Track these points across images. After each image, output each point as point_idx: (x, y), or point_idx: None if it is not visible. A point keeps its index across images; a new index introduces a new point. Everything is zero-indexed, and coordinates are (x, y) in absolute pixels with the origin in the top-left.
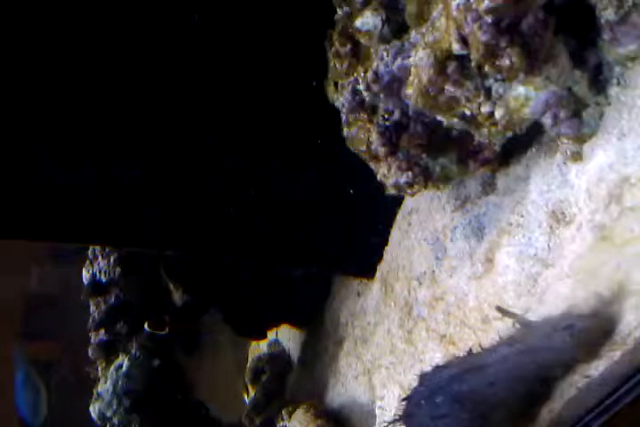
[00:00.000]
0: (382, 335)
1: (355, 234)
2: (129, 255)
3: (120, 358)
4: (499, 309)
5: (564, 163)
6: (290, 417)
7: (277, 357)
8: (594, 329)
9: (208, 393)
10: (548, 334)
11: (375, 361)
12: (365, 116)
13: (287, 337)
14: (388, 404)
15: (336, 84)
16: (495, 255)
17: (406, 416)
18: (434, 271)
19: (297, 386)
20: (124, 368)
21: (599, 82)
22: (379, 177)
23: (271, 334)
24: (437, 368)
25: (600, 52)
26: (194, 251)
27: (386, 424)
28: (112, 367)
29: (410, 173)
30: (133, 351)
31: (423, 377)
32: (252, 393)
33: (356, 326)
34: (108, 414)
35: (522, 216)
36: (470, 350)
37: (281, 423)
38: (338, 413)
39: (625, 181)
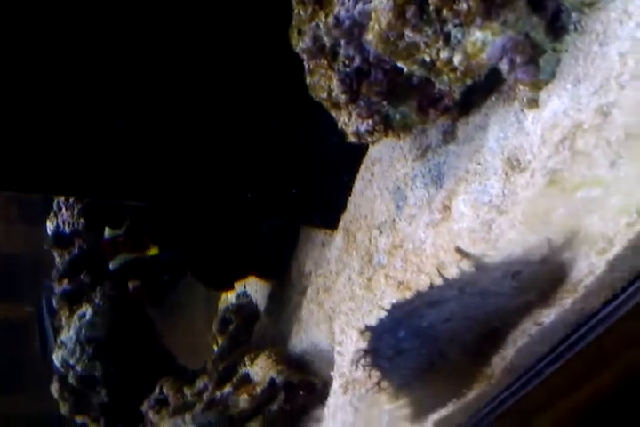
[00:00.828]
0: (343, 283)
1: (319, 185)
2: (93, 206)
3: (84, 307)
4: (457, 249)
5: (521, 110)
6: (252, 363)
7: (245, 307)
8: (544, 276)
9: (176, 343)
10: (499, 280)
11: (336, 308)
12: (326, 62)
13: (255, 289)
14: (347, 349)
15: (300, 31)
16: (452, 203)
17: (372, 350)
18: (394, 220)
19: (262, 335)
20: (87, 317)
21: (557, 28)
22: (340, 125)
23: (240, 287)
24: (400, 302)
25: None
26: (157, 202)
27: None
28: (75, 316)
29: (370, 121)
30: (97, 300)
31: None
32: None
33: (319, 275)
34: (72, 361)
35: (479, 164)
36: (431, 284)
37: (243, 369)
38: (299, 358)
39: (578, 127)
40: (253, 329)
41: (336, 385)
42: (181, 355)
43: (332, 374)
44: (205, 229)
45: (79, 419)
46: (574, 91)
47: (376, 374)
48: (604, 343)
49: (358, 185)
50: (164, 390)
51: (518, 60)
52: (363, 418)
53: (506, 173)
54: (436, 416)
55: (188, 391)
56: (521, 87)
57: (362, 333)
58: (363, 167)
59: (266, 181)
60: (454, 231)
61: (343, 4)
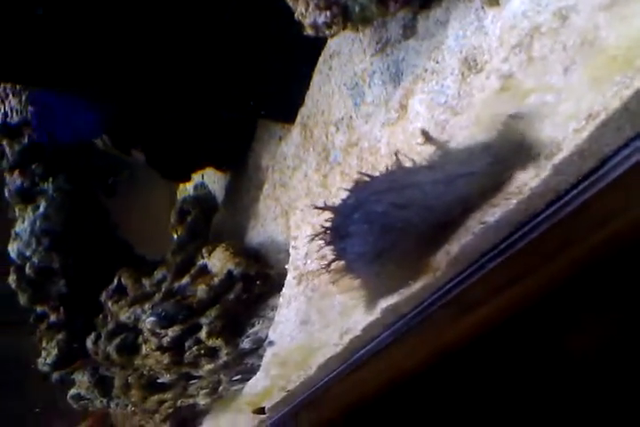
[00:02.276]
0: (300, 179)
1: (276, 78)
2: (41, 92)
3: (37, 200)
4: (424, 133)
5: (482, 7)
6: (209, 255)
7: (202, 198)
8: (491, 176)
9: (134, 233)
10: (470, 160)
11: (292, 203)
12: None
13: (213, 180)
14: (301, 243)
15: None
16: (408, 102)
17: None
18: (351, 117)
19: (220, 227)
20: (42, 209)
21: None
22: (296, 16)
23: (198, 178)
24: (365, 182)
25: None
26: (109, 91)
27: (311, 237)
28: (29, 208)
29: (328, 13)
30: (50, 193)
31: (353, 190)
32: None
33: (275, 170)
34: (28, 253)
35: (437, 62)
36: (400, 165)
37: (200, 261)
38: (256, 251)
39: (536, 30)
40: (211, 221)
41: (290, 277)
42: (140, 245)
43: (286, 267)
44: (160, 119)
45: (39, 308)
46: None
47: (330, 254)
48: (546, 242)
49: (316, 79)
50: (123, 281)
51: None
52: (315, 307)
53: (462, 74)
54: (384, 304)
55: (146, 282)
56: None
57: (321, 210)
58: (321, 60)
59: (221, 71)
60: (409, 131)
61: None
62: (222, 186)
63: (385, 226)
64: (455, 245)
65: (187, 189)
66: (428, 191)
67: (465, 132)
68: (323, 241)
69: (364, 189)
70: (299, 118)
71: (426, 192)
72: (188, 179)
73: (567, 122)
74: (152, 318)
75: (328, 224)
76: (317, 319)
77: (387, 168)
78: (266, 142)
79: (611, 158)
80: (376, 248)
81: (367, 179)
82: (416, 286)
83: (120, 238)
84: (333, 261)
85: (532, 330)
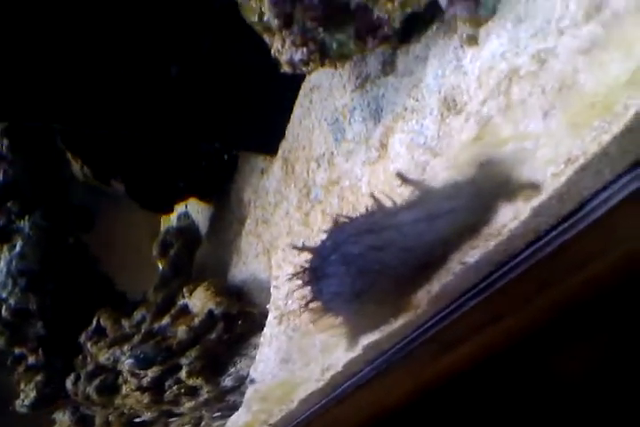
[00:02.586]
0: (281, 216)
1: (257, 109)
2: (17, 127)
3: (13, 239)
4: (399, 175)
5: (461, 46)
6: (190, 295)
7: (186, 230)
8: (473, 213)
9: (117, 265)
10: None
11: (274, 242)
12: None
13: (196, 210)
14: (282, 283)
15: None
16: (389, 141)
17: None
18: (332, 153)
19: (204, 261)
20: (18, 248)
21: None
22: (272, 52)
23: (182, 207)
24: (343, 224)
25: None
26: (92, 125)
27: (290, 277)
28: (5, 248)
29: (305, 49)
30: (27, 231)
31: (331, 232)
32: (160, 267)
33: (258, 206)
34: (4, 294)
35: (417, 100)
36: (379, 206)
37: (181, 301)
38: (239, 289)
39: (514, 73)
40: (195, 254)
41: (271, 317)
42: (123, 277)
43: (268, 307)
44: (140, 149)
45: (17, 350)
46: (514, 32)
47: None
48: (525, 282)
49: (297, 112)
50: (102, 322)
51: None
52: (296, 345)
53: (442, 114)
54: (365, 342)
55: (125, 323)
56: (460, 23)
57: (299, 251)
58: (302, 93)
59: (202, 103)
60: (389, 171)
61: None
62: (206, 217)
63: (362, 268)
64: (436, 285)
65: (170, 218)
66: (408, 232)
67: (445, 173)
68: (301, 281)
69: (342, 231)
70: (280, 152)
71: (405, 233)
72: (171, 210)
73: (546, 166)
74: (130, 361)
75: (306, 265)
76: (299, 357)
77: (366, 209)
78: (248, 174)
79: (590, 201)
80: (354, 289)
81: (346, 220)
82: (397, 323)
83: (101, 273)
84: (311, 301)
85: (512, 369)
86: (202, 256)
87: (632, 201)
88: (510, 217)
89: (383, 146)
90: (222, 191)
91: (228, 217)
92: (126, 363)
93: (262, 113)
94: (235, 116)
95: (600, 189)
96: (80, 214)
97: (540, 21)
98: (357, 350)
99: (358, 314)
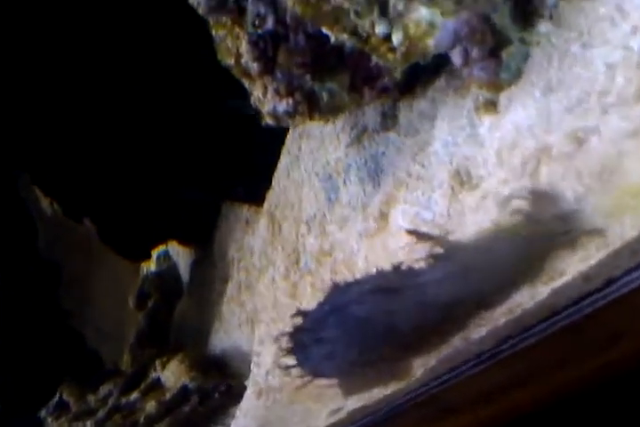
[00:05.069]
0: (267, 285)
1: (240, 156)
2: None
3: None
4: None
5: (477, 109)
6: (163, 368)
7: (165, 277)
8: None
9: (92, 319)
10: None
11: (257, 314)
12: (229, 19)
13: (177, 252)
14: (264, 360)
15: None
16: (390, 211)
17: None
18: (324, 216)
19: (183, 319)
20: None
21: (527, 12)
22: (252, 101)
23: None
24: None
25: None
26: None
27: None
28: None
29: (290, 100)
30: None
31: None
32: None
33: (241, 268)
34: None
35: (423, 167)
36: (399, 264)
37: (153, 374)
38: (219, 359)
39: (544, 152)
40: (175, 308)
41: (249, 392)
42: (102, 330)
43: (245, 383)
44: (118, 193)
45: None
46: (544, 102)
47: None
48: (534, 357)
49: (284, 160)
50: (64, 397)
51: (475, 52)
52: (275, 414)
53: (452, 189)
54: (351, 407)
55: (91, 397)
56: (477, 86)
57: (293, 316)
58: (289, 137)
59: (182, 150)
60: (390, 249)
61: None
62: (187, 262)
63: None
64: (433, 359)
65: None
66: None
67: None
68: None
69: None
70: (266, 206)
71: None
72: (147, 257)
73: None
74: None
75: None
76: (278, 424)
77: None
78: (232, 223)
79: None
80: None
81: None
82: (388, 389)
83: (72, 330)
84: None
85: None
86: (182, 311)
87: None
88: (526, 298)
89: (383, 216)
90: (205, 237)
91: (210, 272)
92: None
93: (246, 160)
94: (216, 163)
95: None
96: (47, 270)
97: (578, 93)
98: (341, 415)
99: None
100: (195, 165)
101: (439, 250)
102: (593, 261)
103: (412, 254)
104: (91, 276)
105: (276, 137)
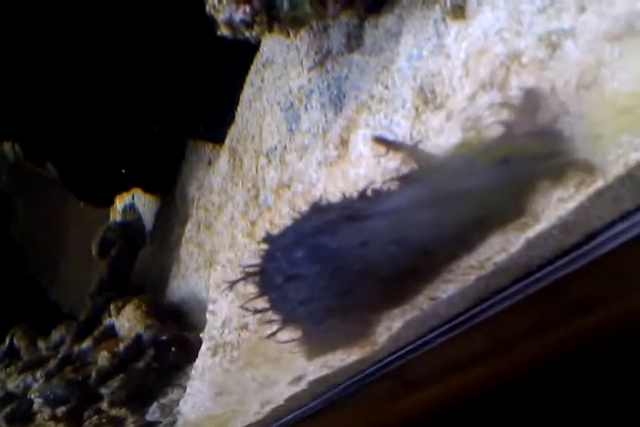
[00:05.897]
0: (225, 223)
1: (201, 89)
2: None
3: None
4: (378, 140)
5: (443, 19)
6: (118, 313)
7: (129, 227)
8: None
9: (57, 266)
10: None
11: (215, 254)
12: None
13: (143, 203)
14: (220, 308)
15: None
16: (350, 137)
17: (260, 271)
18: (285, 147)
19: (144, 268)
20: None
21: None
22: (207, 8)
23: (129, 197)
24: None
25: None
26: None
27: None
28: None
29: (247, 8)
30: None
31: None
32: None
33: (200, 206)
34: None
35: (386, 88)
36: (365, 189)
37: (108, 320)
38: (176, 308)
39: (514, 59)
40: (136, 257)
41: (204, 348)
42: (63, 281)
43: (201, 336)
44: (77, 132)
45: None
46: (515, 2)
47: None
48: (505, 323)
49: (247, 92)
50: (15, 342)
51: None
52: (233, 379)
53: (417, 108)
54: (311, 378)
55: (42, 344)
56: None
57: (259, 243)
58: (253, 69)
59: (140, 83)
60: (350, 178)
61: None
62: (152, 212)
63: (337, 266)
64: (398, 322)
65: (117, 209)
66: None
67: None
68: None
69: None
70: (228, 140)
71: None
72: (110, 203)
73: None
74: (39, 400)
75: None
76: (235, 391)
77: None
78: (194, 166)
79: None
80: (323, 294)
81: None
82: (351, 358)
83: (28, 277)
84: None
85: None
86: (144, 258)
87: None
88: (496, 249)
89: (344, 143)
90: (169, 183)
91: (171, 217)
92: (35, 400)
93: (208, 94)
94: (176, 97)
95: (617, 219)
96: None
97: None
98: (302, 385)
99: (324, 330)
100: (151, 99)
101: (410, 164)
102: (571, 205)
103: (380, 172)
104: (55, 222)
105: (240, 71)
